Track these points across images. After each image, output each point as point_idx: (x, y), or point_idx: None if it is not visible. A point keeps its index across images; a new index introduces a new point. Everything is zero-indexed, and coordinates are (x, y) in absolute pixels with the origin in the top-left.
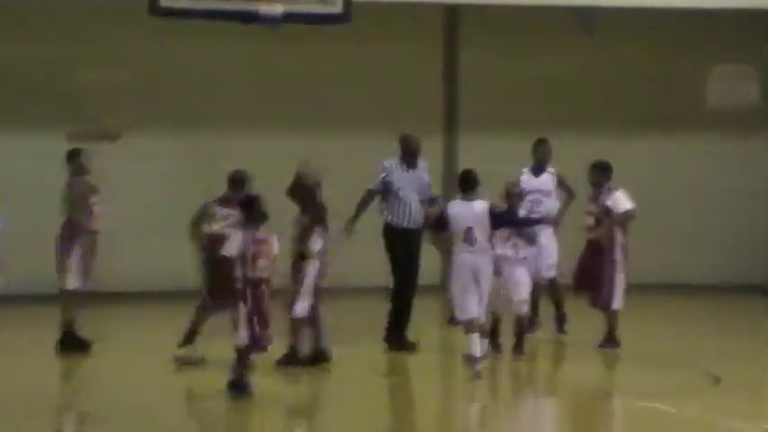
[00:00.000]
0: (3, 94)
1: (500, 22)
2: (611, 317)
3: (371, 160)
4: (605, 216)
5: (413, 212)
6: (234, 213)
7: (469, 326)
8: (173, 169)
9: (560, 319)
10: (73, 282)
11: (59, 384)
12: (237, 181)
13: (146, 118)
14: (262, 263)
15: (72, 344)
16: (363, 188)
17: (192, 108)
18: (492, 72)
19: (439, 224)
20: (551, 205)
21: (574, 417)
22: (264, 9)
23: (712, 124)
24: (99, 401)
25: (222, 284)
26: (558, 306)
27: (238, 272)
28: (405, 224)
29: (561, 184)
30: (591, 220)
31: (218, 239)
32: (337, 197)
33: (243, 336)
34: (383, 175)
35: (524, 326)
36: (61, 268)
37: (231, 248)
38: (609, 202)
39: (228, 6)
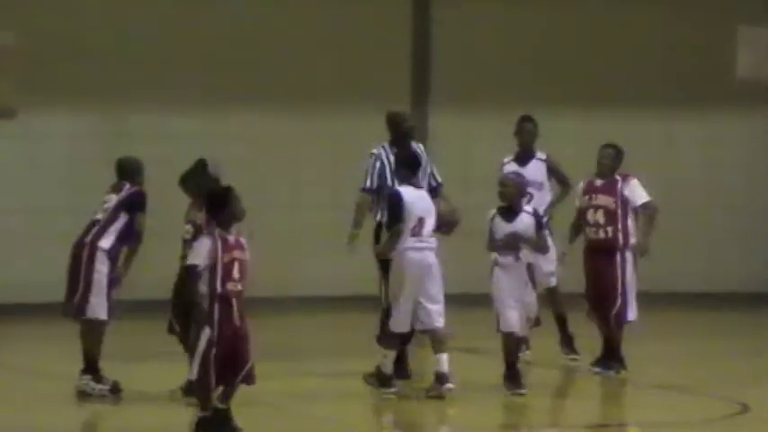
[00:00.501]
0: None
1: None
2: (619, 330)
3: (326, 140)
4: (622, 209)
5: None
6: (112, 199)
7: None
8: (75, 153)
9: (569, 339)
10: None
11: None
12: (123, 172)
13: (40, 90)
14: (236, 273)
15: None
16: (315, 172)
17: (102, 78)
18: (470, 34)
19: (392, 215)
20: (543, 199)
21: None
22: None
23: (742, 97)
24: None
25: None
26: (563, 322)
27: (203, 287)
28: None
29: (554, 172)
30: (600, 216)
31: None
32: (285, 183)
33: (195, 368)
34: (377, 165)
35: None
36: None
37: (198, 256)
38: (627, 192)
39: None
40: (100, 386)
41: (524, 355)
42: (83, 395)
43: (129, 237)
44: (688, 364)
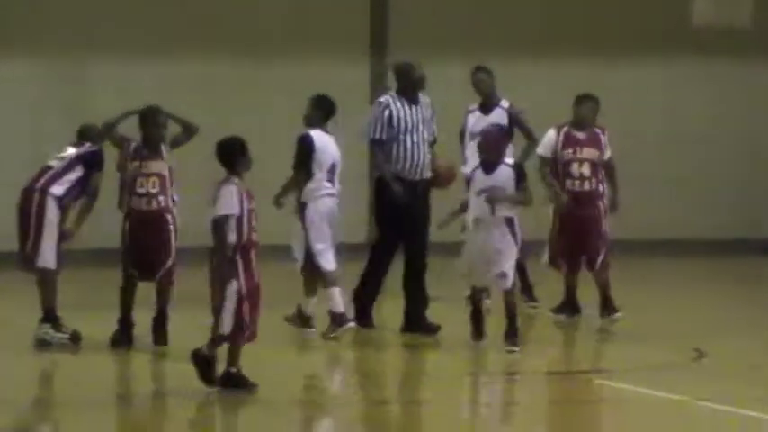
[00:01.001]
0: None
1: None
2: (605, 276)
3: (280, 91)
4: (600, 162)
5: (422, 160)
6: (70, 150)
7: (332, 279)
8: (30, 100)
9: (528, 287)
10: None
11: None
12: (84, 137)
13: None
14: (254, 223)
15: None
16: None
17: (55, 21)
18: None
19: (300, 158)
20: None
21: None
22: None
23: (699, 44)
24: None
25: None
26: (522, 270)
27: (232, 237)
28: (414, 175)
29: (518, 123)
30: (586, 169)
31: None
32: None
33: (228, 322)
34: (385, 114)
35: (514, 304)
36: None
37: (230, 206)
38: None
39: None
40: (59, 335)
41: (485, 303)
42: (42, 344)
43: (80, 192)
44: (650, 311)
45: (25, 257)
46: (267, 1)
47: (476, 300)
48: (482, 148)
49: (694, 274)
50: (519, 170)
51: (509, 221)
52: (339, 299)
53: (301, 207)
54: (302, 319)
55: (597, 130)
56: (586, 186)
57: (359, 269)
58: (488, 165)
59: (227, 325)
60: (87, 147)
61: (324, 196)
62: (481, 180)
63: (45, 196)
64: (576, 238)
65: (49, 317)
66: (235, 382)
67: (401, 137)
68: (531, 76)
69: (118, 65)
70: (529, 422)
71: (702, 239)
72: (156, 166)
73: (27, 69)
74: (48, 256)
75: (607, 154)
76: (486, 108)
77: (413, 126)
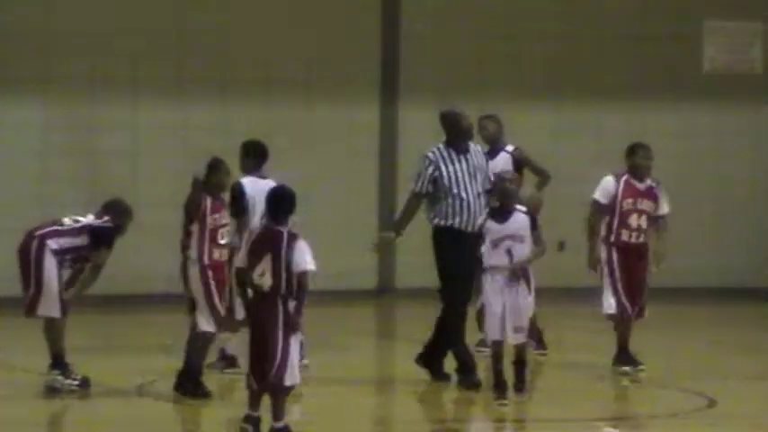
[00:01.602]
0: None
1: None
2: (629, 325)
3: (292, 133)
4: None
5: (472, 211)
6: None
7: None
8: (40, 146)
9: (538, 334)
10: None
11: None
12: (109, 209)
13: (9, 83)
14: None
15: None
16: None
17: (65, 65)
18: (441, 24)
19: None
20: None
21: None
22: None
23: (709, 89)
24: None
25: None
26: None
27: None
28: (469, 228)
29: (527, 163)
30: (644, 221)
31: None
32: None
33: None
34: (430, 170)
35: (525, 357)
36: None
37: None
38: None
39: None
40: (68, 381)
41: (539, 353)
42: (52, 390)
43: (76, 260)
44: (661, 357)
45: (29, 305)
46: (284, 48)
47: (497, 354)
48: (499, 195)
49: (698, 320)
50: (532, 217)
51: (524, 271)
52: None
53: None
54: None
55: (653, 184)
56: (642, 239)
57: (369, 314)
58: (502, 213)
59: (297, 377)
60: (104, 220)
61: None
62: (497, 230)
63: (43, 246)
64: (627, 286)
65: (58, 363)
66: None
67: (455, 191)
68: (535, 120)
69: (129, 108)
70: None
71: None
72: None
73: (34, 113)
74: (51, 305)
75: (665, 210)
76: (491, 153)
77: (466, 178)
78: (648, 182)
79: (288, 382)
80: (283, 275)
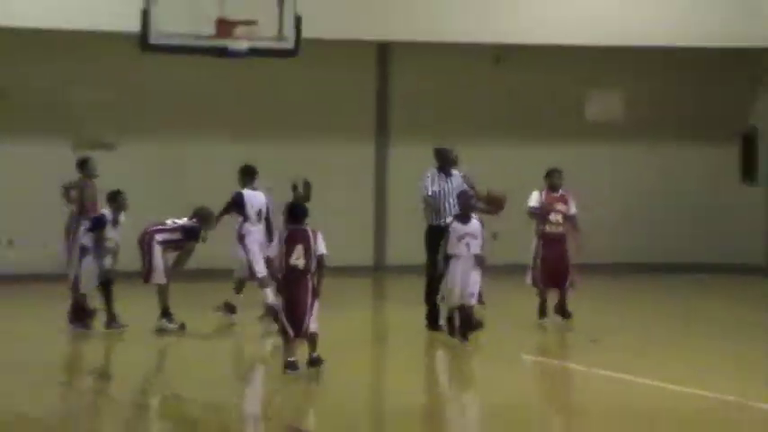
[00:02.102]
0: (12, 111)
1: (426, 52)
2: (568, 292)
3: (318, 162)
4: (567, 214)
5: (448, 215)
6: (183, 221)
7: (265, 282)
8: (154, 171)
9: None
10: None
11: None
12: (197, 215)
13: (130, 129)
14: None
15: (77, 312)
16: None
17: (169, 121)
18: (417, 94)
19: (227, 207)
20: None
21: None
22: (232, 45)
23: (590, 134)
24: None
25: None
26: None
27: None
28: (442, 224)
29: (467, 182)
30: (560, 218)
31: None
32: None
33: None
34: (428, 181)
35: (472, 314)
36: (69, 252)
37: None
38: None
39: (204, 43)
40: (172, 325)
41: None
42: (161, 331)
43: (175, 247)
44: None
45: (145, 276)
46: (295, 96)
47: (452, 316)
48: (462, 206)
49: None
50: (481, 221)
51: (477, 257)
52: (271, 295)
53: (240, 238)
54: (229, 307)
55: (564, 192)
56: (560, 229)
57: (368, 284)
58: (463, 218)
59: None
60: (193, 222)
61: (255, 232)
62: (461, 228)
63: (152, 240)
64: (551, 267)
65: (165, 313)
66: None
67: (441, 202)
68: (491, 154)
69: (209, 146)
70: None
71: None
72: None
73: (150, 152)
74: (158, 276)
75: (573, 210)
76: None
77: (447, 193)
78: (561, 191)
79: (314, 329)
80: (311, 258)
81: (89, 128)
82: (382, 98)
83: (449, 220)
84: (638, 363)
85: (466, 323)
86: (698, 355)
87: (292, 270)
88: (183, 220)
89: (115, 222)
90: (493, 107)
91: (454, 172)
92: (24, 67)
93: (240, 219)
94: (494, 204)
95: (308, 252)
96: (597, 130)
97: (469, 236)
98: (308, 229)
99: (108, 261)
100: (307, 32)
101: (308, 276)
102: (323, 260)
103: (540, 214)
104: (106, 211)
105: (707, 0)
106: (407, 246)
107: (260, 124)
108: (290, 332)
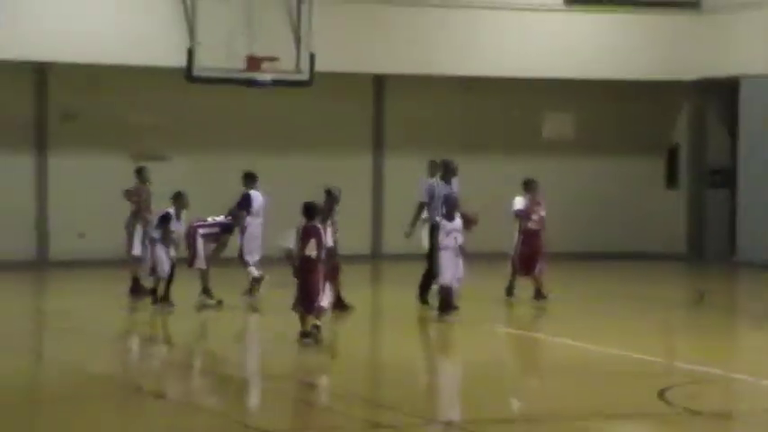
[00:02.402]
0: (83, 130)
1: (412, 82)
2: (540, 278)
3: (325, 170)
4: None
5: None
6: (220, 218)
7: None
8: (197, 178)
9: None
10: (136, 250)
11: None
12: (229, 213)
13: (177, 144)
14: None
15: (137, 290)
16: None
17: (208, 138)
18: (406, 115)
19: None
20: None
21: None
22: (259, 77)
23: (546, 149)
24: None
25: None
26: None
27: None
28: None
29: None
30: (538, 218)
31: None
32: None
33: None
34: (429, 188)
35: (452, 296)
36: (129, 243)
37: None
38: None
39: (237, 75)
40: (211, 301)
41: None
42: (202, 306)
43: (214, 239)
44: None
45: (190, 262)
46: (306, 118)
47: (446, 292)
48: (450, 206)
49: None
50: (464, 218)
51: (462, 248)
52: (255, 271)
53: (242, 231)
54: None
55: (538, 197)
56: (537, 226)
57: (366, 270)
58: (450, 216)
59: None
60: (228, 219)
61: (254, 224)
62: (448, 225)
63: (195, 232)
64: (529, 256)
65: (206, 291)
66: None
67: (441, 203)
68: (463, 165)
69: (243, 161)
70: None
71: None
72: None
73: (196, 163)
74: (200, 262)
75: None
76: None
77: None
78: (538, 197)
79: (324, 305)
80: (322, 249)
81: (144, 143)
82: (378, 119)
83: (437, 218)
84: (578, 330)
85: (446, 302)
86: (627, 324)
87: (306, 260)
88: (221, 218)
89: (178, 218)
90: (464, 127)
91: (453, 180)
92: (92, 95)
93: (244, 213)
94: (468, 222)
95: (319, 245)
96: (551, 146)
97: (455, 231)
98: (319, 225)
99: (172, 250)
100: (317, 66)
101: (319, 265)
102: (332, 251)
103: (525, 215)
104: (170, 209)
105: (638, 43)
106: (399, 238)
107: (278, 141)
108: (303, 310)
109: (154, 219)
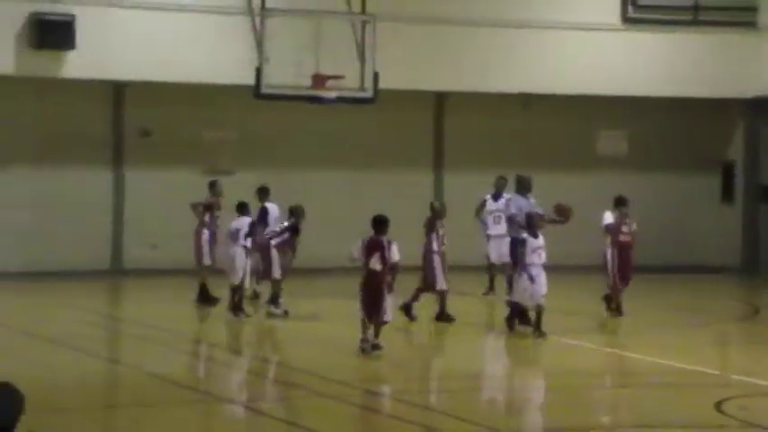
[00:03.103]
0: (157, 146)
1: (471, 100)
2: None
3: (388, 184)
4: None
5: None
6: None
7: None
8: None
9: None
10: (207, 260)
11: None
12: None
13: (244, 160)
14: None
15: (204, 298)
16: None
17: (274, 153)
18: (465, 132)
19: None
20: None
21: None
22: (324, 94)
23: (601, 165)
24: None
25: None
26: (510, 282)
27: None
28: (522, 237)
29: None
30: (629, 230)
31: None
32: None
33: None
34: (509, 203)
35: (542, 313)
36: (198, 252)
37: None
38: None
39: (303, 92)
40: (278, 310)
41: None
42: (270, 316)
43: (289, 245)
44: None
45: (264, 272)
46: (362, 130)
47: (539, 310)
48: (533, 223)
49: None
50: (561, 210)
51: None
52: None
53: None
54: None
55: (626, 212)
56: (629, 239)
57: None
58: (534, 233)
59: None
60: (291, 220)
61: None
62: (534, 242)
63: (268, 244)
64: (624, 268)
65: (274, 301)
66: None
67: (520, 215)
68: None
69: (305, 174)
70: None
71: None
72: None
73: (255, 176)
74: (276, 271)
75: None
76: (495, 197)
77: (524, 210)
78: (626, 212)
79: (386, 319)
80: (386, 263)
81: (214, 158)
82: (438, 135)
83: (524, 235)
84: (638, 342)
85: (539, 320)
86: (685, 336)
87: (371, 273)
88: (285, 223)
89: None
90: (522, 143)
91: (529, 195)
92: (165, 112)
93: (262, 224)
94: (563, 215)
95: (383, 258)
96: (606, 163)
97: (540, 248)
98: (385, 239)
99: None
100: (380, 84)
101: (382, 278)
102: (396, 266)
103: (614, 229)
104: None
105: (694, 61)
106: (458, 248)
107: (342, 156)
108: (367, 320)
109: (233, 227)
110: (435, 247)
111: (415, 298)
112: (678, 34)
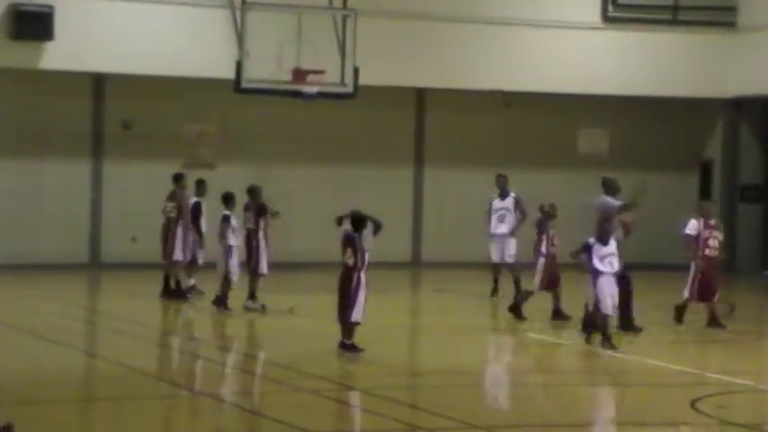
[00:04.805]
0: (137, 138)
1: (452, 97)
2: (716, 306)
3: (368, 180)
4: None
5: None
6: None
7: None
8: (243, 184)
9: (521, 297)
10: (177, 254)
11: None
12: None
13: (225, 154)
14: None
15: (171, 293)
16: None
17: (254, 147)
18: (446, 129)
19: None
20: (513, 220)
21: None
22: (305, 89)
23: (582, 164)
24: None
25: None
26: (517, 282)
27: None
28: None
29: (519, 205)
30: (716, 243)
31: None
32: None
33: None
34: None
35: (607, 322)
36: (170, 246)
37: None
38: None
39: (283, 87)
40: (255, 305)
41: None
42: (247, 309)
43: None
44: None
45: (251, 270)
46: (342, 126)
47: (604, 320)
48: (604, 230)
49: None
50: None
51: (615, 274)
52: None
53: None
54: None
55: (713, 221)
56: (715, 254)
57: (406, 275)
58: (605, 240)
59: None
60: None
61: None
62: (604, 250)
63: (257, 238)
64: (707, 283)
65: (252, 295)
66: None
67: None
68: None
69: (286, 169)
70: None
71: None
72: None
73: (240, 172)
74: (263, 267)
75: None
76: (502, 195)
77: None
78: (713, 221)
79: (353, 319)
80: (358, 256)
81: (195, 151)
82: (419, 131)
83: (591, 240)
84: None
85: (604, 331)
86: (662, 335)
87: (345, 267)
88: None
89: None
90: (503, 140)
91: (618, 197)
92: (146, 105)
93: (263, 220)
94: (625, 229)
95: (355, 253)
96: (586, 162)
97: (611, 255)
98: (356, 235)
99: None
100: (361, 80)
101: (355, 274)
102: (553, 262)
103: (697, 241)
104: (226, 211)
105: (674, 61)
106: (438, 245)
107: (322, 151)
108: (339, 319)
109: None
110: (543, 248)
111: (525, 298)
112: (658, 34)
